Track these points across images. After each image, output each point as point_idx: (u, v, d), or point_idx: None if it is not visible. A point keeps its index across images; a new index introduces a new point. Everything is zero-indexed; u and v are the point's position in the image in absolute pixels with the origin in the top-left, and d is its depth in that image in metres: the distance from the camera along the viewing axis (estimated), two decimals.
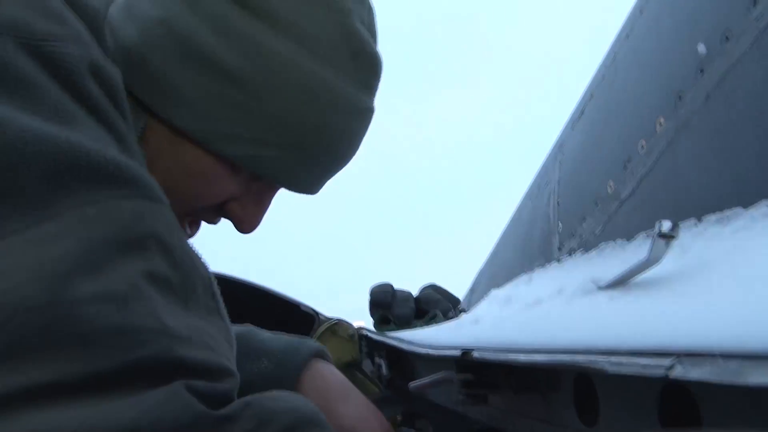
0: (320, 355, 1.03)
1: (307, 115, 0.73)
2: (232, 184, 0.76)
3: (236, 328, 1.08)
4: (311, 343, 1.04)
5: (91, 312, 0.45)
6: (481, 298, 1.53)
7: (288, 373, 0.97)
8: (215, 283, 0.62)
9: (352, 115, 0.77)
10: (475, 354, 0.74)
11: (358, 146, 0.83)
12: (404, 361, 1.35)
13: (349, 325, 1.78)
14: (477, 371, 0.80)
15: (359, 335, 1.67)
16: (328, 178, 0.84)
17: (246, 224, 0.81)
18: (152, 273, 0.51)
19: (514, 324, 0.93)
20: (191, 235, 0.83)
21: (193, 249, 0.59)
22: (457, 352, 0.79)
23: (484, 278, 1.98)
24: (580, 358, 0.56)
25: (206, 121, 0.71)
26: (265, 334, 1.06)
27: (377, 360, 1.52)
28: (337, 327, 1.75)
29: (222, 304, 0.62)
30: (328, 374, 1.00)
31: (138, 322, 0.48)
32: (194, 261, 0.58)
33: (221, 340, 0.57)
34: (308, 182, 0.80)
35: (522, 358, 0.66)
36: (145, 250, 0.51)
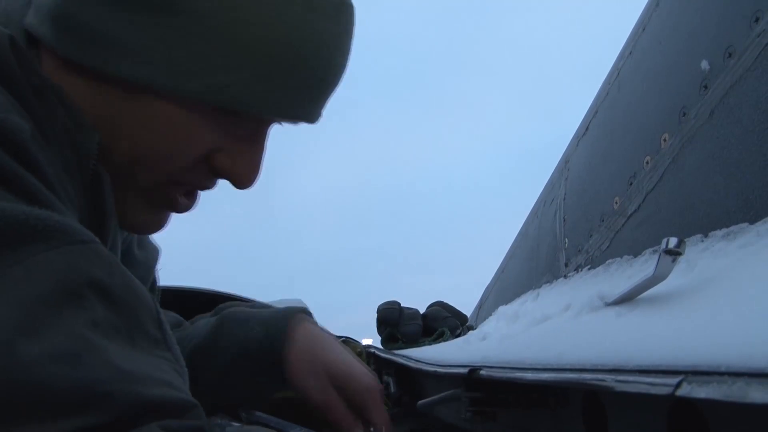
0: (305, 313, 1.05)
1: (270, 22, 0.64)
2: (208, 132, 0.68)
3: (223, 313, 1.09)
4: (295, 306, 1.06)
5: (45, 374, 0.44)
6: (488, 314, 1.53)
7: (278, 334, 0.99)
8: (160, 310, 0.59)
9: (326, 12, 0.67)
10: (483, 372, 0.73)
11: (344, 53, 0.72)
12: (412, 379, 1.35)
13: (357, 342, 1.78)
14: (485, 389, 0.80)
15: (367, 353, 1.66)
16: (322, 99, 0.73)
17: (240, 176, 0.72)
18: (95, 321, 0.49)
19: (521, 341, 0.93)
20: (188, 207, 0.76)
21: (133, 280, 0.56)
22: (465, 370, 0.79)
23: (491, 295, 1.98)
24: (587, 377, 0.56)
25: (156, 63, 0.63)
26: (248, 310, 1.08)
27: (385, 378, 1.52)
28: (345, 345, 1.75)
29: (169, 332, 0.59)
30: (315, 328, 1.02)
31: (95, 374, 0.46)
32: (136, 293, 0.55)
33: (173, 372, 0.55)
34: (297, 105, 0.70)
35: (530, 376, 0.66)
36: (83, 299, 0.49)
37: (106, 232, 0.72)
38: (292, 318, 1.02)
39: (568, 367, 0.62)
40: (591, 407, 0.65)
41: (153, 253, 1.15)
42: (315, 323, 1.06)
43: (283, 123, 0.73)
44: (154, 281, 1.18)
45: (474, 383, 0.80)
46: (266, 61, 0.65)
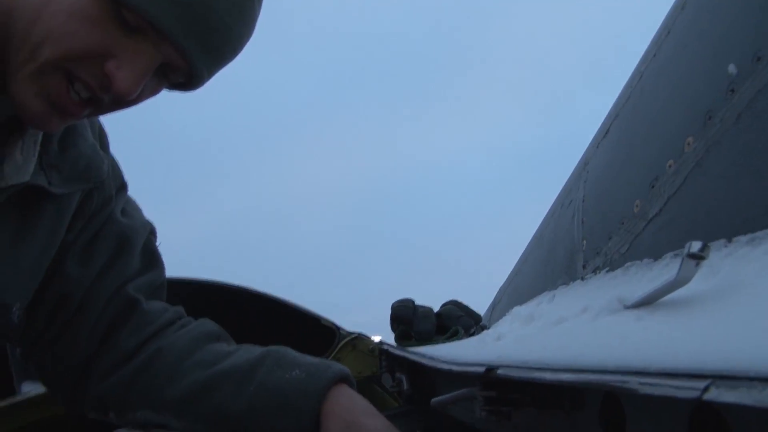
0: (348, 378, 1.06)
1: None
2: (107, 31, 0.80)
3: (271, 348, 1.10)
4: (341, 366, 1.06)
5: None
6: (502, 315, 1.53)
7: (318, 384, 0.99)
8: None
9: None
10: (500, 371, 0.73)
11: (253, 18, 0.87)
12: (425, 377, 1.35)
13: (370, 339, 1.78)
14: (501, 388, 0.80)
15: (380, 350, 1.67)
16: (219, 52, 0.86)
17: (121, 83, 0.83)
18: None
19: (538, 341, 0.93)
20: (79, 111, 0.86)
21: None
22: (481, 369, 0.79)
23: (505, 296, 1.97)
24: (609, 378, 0.56)
25: None
26: (298, 354, 1.08)
27: (397, 375, 1.52)
28: (358, 341, 1.75)
29: None
30: (353, 393, 1.02)
31: None
32: None
33: None
34: (196, 41, 0.83)
35: (548, 376, 0.65)
36: None
37: None
38: (336, 375, 1.03)
39: (587, 368, 0.62)
40: (608, 410, 0.65)
41: (140, 224, 1.17)
42: (355, 389, 1.07)
43: (171, 71, 0.86)
44: (155, 254, 1.19)
45: (489, 382, 0.79)
46: None
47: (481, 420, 0.94)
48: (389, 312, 1.83)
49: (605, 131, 1.27)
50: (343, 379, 1.04)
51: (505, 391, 0.81)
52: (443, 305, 1.84)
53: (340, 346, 1.72)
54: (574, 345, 0.73)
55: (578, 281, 1.10)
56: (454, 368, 0.95)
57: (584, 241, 1.13)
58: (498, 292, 2.27)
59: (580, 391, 0.68)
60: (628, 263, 0.91)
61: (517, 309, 1.40)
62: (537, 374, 0.67)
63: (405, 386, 1.46)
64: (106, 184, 1.15)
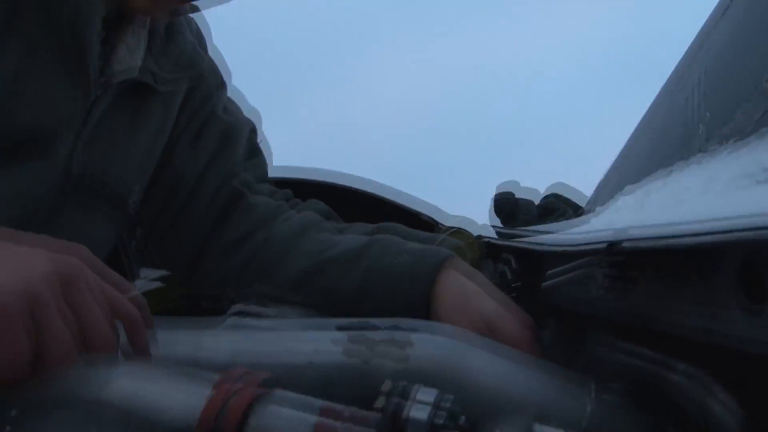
0: (457, 261, 1.06)
1: None
2: None
3: (377, 235, 1.11)
4: (449, 250, 1.07)
5: None
6: (608, 201, 1.47)
7: (427, 267, 1.00)
8: None
9: None
10: (625, 243, 0.70)
11: None
12: (531, 264, 1.33)
13: (469, 233, 1.78)
14: (622, 262, 0.77)
15: (481, 242, 1.66)
16: None
17: None
18: None
19: (659, 213, 0.88)
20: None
21: None
22: (603, 243, 0.76)
23: (610, 184, 1.90)
24: (749, 235, 0.53)
25: None
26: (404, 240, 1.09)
27: (500, 266, 1.51)
28: (458, 235, 1.75)
29: None
30: (465, 273, 1.02)
31: None
32: None
33: None
34: None
35: (679, 241, 0.62)
36: None
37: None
38: (445, 258, 1.03)
39: (722, 230, 0.58)
40: (747, 274, 0.61)
41: (242, 121, 1.20)
42: (466, 265, 1.07)
43: None
44: (257, 149, 1.23)
45: (612, 255, 0.77)
46: None
47: (599, 299, 0.92)
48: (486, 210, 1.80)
49: (726, 6, 1.16)
50: (452, 263, 1.05)
51: (627, 267, 0.78)
52: (543, 198, 1.80)
53: (439, 240, 1.72)
54: (703, 211, 0.69)
55: (699, 154, 1.03)
56: (569, 247, 0.92)
57: (707, 113, 1.05)
58: (599, 182, 2.19)
59: (715, 255, 0.65)
60: (764, 129, 0.84)
61: (628, 188, 1.34)
62: (668, 241, 0.64)
63: (509, 276, 1.45)
64: (206, 82, 1.18)
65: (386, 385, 0.42)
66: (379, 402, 0.42)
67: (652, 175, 1.16)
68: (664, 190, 0.94)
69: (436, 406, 0.40)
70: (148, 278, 1.68)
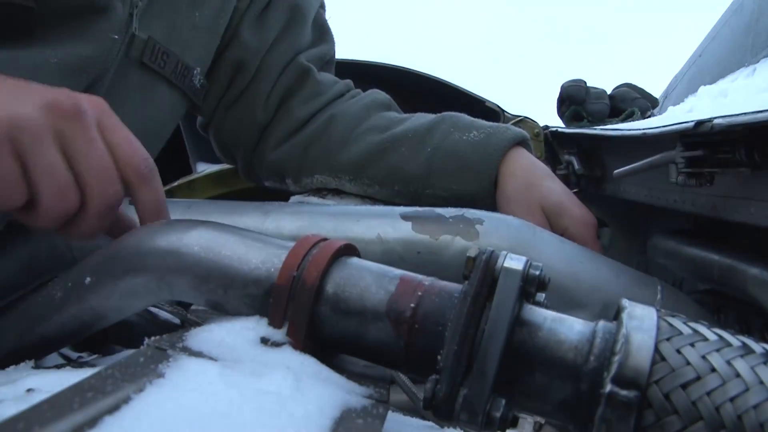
0: (526, 141, 1.03)
1: None
2: None
3: (445, 113, 1.09)
4: (519, 129, 1.04)
5: None
6: (683, 99, 1.39)
7: (497, 146, 0.98)
8: None
9: None
10: (716, 122, 0.66)
11: None
12: (600, 157, 1.29)
13: (535, 122, 1.73)
14: (708, 144, 0.72)
15: (546, 133, 1.62)
16: None
17: None
18: None
19: (743, 105, 0.83)
20: None
21: None
22: (688, 125, 0.71)
23: (684, 80, 1.80)
24: None
25: None
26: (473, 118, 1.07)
27: (567, 157, 1.47)
28: (523, 124, 1.71)
29: None
30: (532, 156, 1.00)
31: None
32: None
33: None
34: None
35: None
36: None
37: None
38: (515, 137, 1.00)
39: None
40: None
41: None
42: (532, 151, 1.04)
43: None
44: (325, 27, 1.21)
45: (693, 141, 0.73)
46: None
47: (674, 190, 0.89)
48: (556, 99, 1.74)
49: None
50: (521, 142, 1.02)
51: (709, 155, 0.74)
52: (616, 87, 1.72)
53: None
54: None
55: None
56: (648, 131, 0.88)
57: None
58: (673, 79, 2.08)
59: None
60: None
61: (704, 88, 1.26)
62: (760, 118, 0.60)
63: (576, 166, 1.41)
64: None
65: (473, 250, 0.41)
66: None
67: (732, 74, 1.08)
68: (746, 89, 0.87)
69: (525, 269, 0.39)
70: (205, 172, 1.70)
